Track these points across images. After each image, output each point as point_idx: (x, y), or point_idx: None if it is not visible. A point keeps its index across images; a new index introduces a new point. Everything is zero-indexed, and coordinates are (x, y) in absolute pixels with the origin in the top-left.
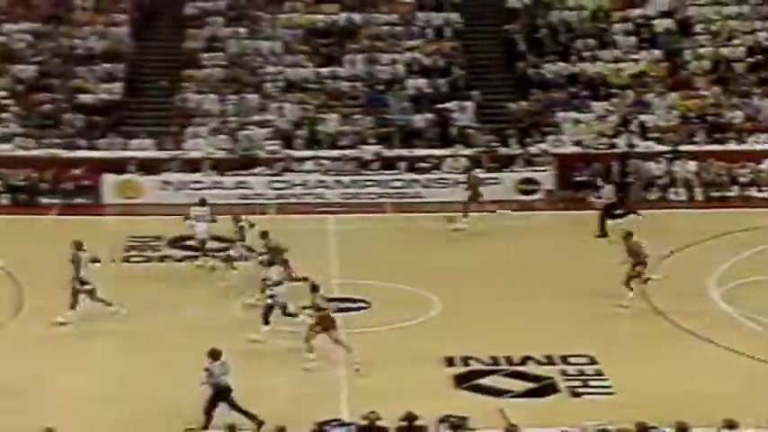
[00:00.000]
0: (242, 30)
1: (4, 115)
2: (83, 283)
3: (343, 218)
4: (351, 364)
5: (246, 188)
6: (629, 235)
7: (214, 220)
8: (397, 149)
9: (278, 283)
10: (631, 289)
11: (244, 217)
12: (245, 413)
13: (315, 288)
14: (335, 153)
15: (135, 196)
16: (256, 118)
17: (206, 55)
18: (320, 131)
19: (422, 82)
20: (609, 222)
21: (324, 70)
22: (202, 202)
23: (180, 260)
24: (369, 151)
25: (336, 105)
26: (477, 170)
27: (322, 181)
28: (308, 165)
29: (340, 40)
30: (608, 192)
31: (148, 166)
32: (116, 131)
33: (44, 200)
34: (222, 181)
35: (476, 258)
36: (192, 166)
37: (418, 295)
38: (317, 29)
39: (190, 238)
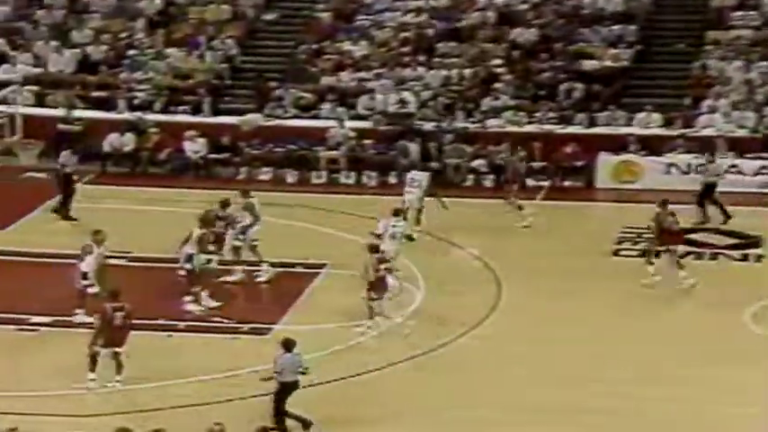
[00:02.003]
0: None
1: (497, 85)
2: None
3: None
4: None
5: None
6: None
7: (434, 195)
8: None
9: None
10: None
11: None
12: (284, 417)
13: (374, 249)
14: None
15: (632, 180)
16: None
17: (736, 14)
18: None
19: None
20: None
21: None
22: (424, 168)
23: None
24: None
25: None
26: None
27: None
28: None
29: None
30: None
31: (651, 145)
32: (618, 104)
33: (530, 182)
34: (740, 165)
35: None
36: (704, 145)
37: None
38: None
39: (697, 230)
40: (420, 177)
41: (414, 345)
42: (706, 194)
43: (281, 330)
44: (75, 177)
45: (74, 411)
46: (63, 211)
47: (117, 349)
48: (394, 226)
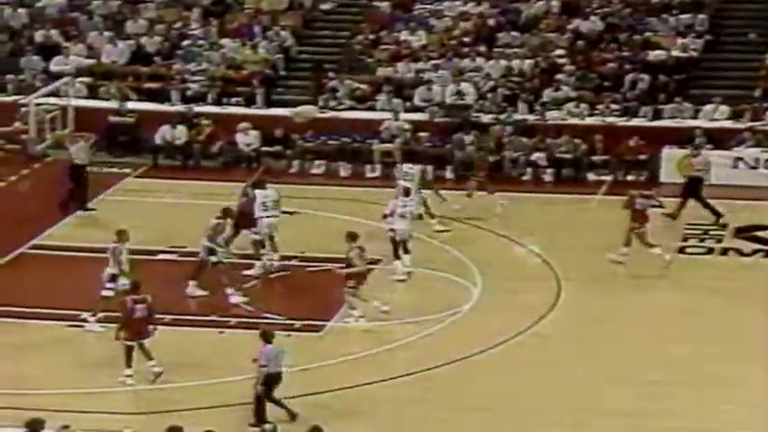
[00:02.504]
0: None
1: (559, 76)
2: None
3: None
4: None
5: None
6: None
7: (428, 186)
8: None
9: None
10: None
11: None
12: (282, 405)
13: (352, 237)
14: None
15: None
16: None
17: None
18: None
19: None
20: None
21: None
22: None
23: (748, 254)
24: None
25: None
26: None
27: None
28: None
29: None
30: None
31: (718, 139)
32: (685, 96)
33: (592, 176)
34: None
35: None
36: None
37: None
38: None
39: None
40: (413, 171)
41: (468, 344)
42: (691, 189)
43: (334, 327)
44: (87, 170)
45: (124, 409)
46: (78, 203)
47: (141, 341)
48: (404, 206)
